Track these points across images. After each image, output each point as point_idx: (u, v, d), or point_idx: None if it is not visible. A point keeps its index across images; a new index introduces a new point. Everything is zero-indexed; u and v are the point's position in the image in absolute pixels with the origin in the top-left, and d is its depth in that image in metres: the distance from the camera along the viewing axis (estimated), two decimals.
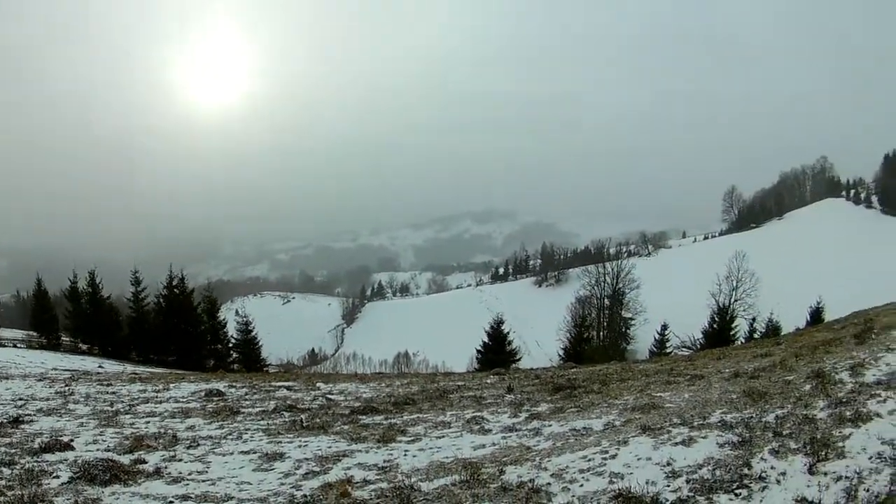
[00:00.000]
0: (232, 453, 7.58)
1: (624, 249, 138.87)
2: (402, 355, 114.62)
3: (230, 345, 41.23)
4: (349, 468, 6.63)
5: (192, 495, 5.89)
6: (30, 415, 10.38)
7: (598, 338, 53.21)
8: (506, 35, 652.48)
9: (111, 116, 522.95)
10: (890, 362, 7.81)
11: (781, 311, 41.93)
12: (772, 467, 5.04)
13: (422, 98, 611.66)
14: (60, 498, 5.66)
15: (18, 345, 36.64)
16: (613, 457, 5.87)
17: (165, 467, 6.85)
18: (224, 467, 6.95)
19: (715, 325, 39.90)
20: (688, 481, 5.03)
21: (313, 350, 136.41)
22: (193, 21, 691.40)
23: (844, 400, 6.42)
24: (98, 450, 7.71)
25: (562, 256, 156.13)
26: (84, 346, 39.74)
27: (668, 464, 5.44)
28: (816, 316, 38.50)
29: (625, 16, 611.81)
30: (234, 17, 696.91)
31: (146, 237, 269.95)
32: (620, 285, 59.64)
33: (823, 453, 5.05)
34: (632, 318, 59.44)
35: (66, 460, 6.99)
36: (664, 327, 43.19)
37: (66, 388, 14.47)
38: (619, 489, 4.99)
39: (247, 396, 12.96)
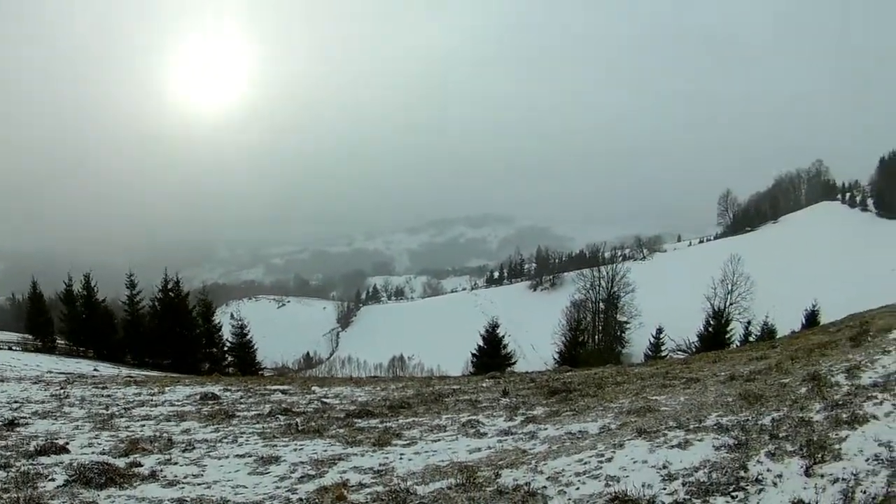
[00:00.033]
0: (227, 457, 7.55)
1: (619, 253, 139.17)
2: (398, 359, 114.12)
3: (225, 348, 41.09)
4: (345, 472, 6.60)
5: (188, 498, 5.86)
6: (25, 418, 10.33)
7: (594, 341, 53.35)
8: (506, 35, 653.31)
9: (108, 119, 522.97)
10: (886, 365, 7.84)
11: (777, 314, 42.09)
12: (768, 470, 5.05)
13: (422, 98, 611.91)
14: (56, 501, 5.64)
15: (14, 347, 36.54)
16: (609, 460, 5.87)
17: (161, 470, 6.82)
18: (219, 471, 6.92)
19: (710, 329, 39.93)
20: (684, 484, 5.04)
21: (308, 354, 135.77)
22: (192, 22, 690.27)
23: (840, 402, 6.44)
24: (93, 453, 7.67)
25: (557, 260, 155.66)
26: (79, 350, 39.58)
27: (665, 467, 5.44)
28: (812, 319, 38.56)
29: (625, 16, 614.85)
30: (233, 18, 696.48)
31: (142, 241, 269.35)
32: (615, 289, 59.90)
33: (820, 455, 5.07)
34: (627, 322, 59.72)
35: (61, 463, 6.95)
36: (659, 331, 43.25)
37: (62, 391, 14.42)
38: (615, 492, 5.00)
39: (242, 400, 12.93)
